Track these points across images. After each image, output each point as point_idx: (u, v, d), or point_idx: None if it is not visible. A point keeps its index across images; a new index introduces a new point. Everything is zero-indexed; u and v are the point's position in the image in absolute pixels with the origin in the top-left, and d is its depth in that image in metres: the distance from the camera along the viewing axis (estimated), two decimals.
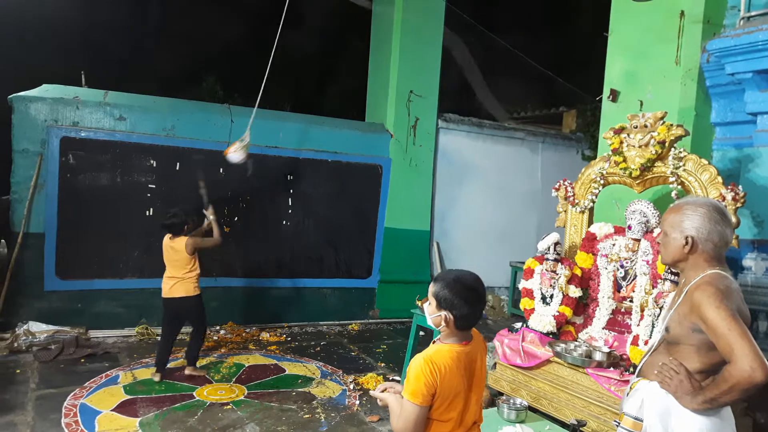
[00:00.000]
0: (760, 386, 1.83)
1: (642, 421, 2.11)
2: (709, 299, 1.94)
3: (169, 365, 5.05)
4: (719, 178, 3.35)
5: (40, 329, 5.58)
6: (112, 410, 4.19)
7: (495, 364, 4.08)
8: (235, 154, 5.68)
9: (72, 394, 4.44)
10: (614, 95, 4.69)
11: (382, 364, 5.71)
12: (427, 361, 1.88)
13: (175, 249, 4.77)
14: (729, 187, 3.27)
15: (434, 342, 2.03)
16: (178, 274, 4.78)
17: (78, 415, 4.09)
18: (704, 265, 2.07)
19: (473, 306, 1.93)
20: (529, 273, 4.03)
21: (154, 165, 6.19)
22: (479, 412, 2.05)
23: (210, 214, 5.19)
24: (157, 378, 4.77)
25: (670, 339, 2.11)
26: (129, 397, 4.46)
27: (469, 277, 1.97)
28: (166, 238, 4.85)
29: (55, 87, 6.03)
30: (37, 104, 5.73)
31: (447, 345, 1.96)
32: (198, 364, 5.15)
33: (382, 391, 2.01)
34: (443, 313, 1.93)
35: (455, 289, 1.91)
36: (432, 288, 1.97)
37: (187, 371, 4.96)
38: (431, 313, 1.98)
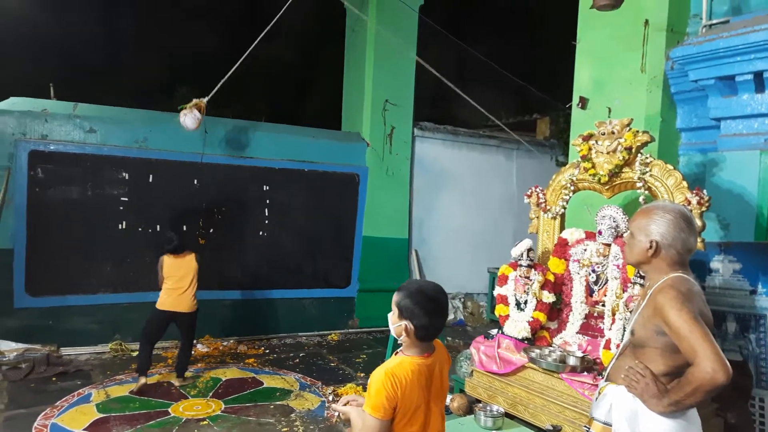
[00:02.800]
0: (722, 387, 1.86)
1: (611, 425, 2.13)
2: (671, 302, 1.97)
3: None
4: (684, 183, 3.42)
5: (9, 348, 5.45)
6: (84, 429, 4.11)
7: (472, 371, 4.09)
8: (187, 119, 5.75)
9: (43, 413, 4.34)
10: (583, 103, 4.77)
11: (362, 374, 5.69)
12: (389, 374, 1.86)
13: (186, 262, 5.06)
14: (694, 191, 3.34)
15: (396, 354, 2.01)
16: (189, 287, 5.03)
17: None
18: (667, 269, 2.11)
19: (433, 317, 1.91)
20: (504, 279, 4.06)
21: (127, 177, 6.11)
22: (442, 425, 2.04)
23: None
24: (143, 381, 4.85)
25: (635, 342, 2.14)
26: (102, 415, 4.37)
27: (431, 288, 1.95)
28: (169, 257, 5.06)
29: (23, 99, 5.93)
30: (5, 117, 5.62)
31: (408, 357, 1.95)
32: (174, 380, 5.13)
33: (345, 405, 2.00)
34: (404, 322, 1.92)
35: (416, 299, 1.90)
36: (395, 297, 1.96)
37: (176, 382, 5.08)
38: (393, 322, 1.97)
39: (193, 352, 6.01)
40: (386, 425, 1.86)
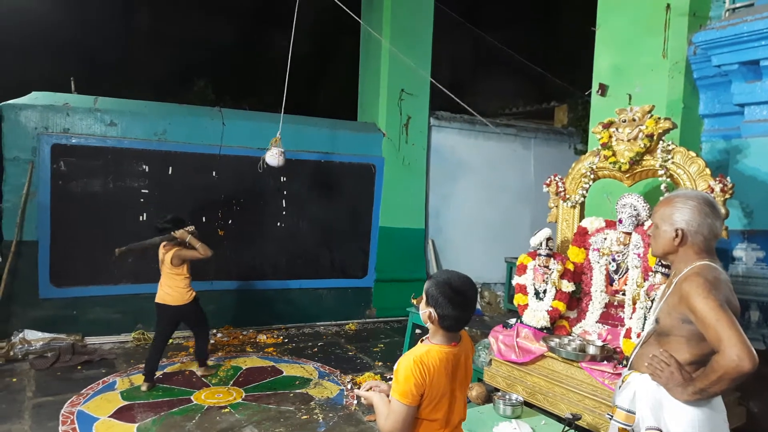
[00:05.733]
0: (748, 375, 1.85)
1: (634, 413, 2.13)
2: (697, 290, 1.96)
3: (166, 369, 5.07)
4: (707, 170, 3.36)
5: (35, 337, 5.57)
6: (109, 417, 4.20)
7: (491, 360, 4.10)
8: (273, 158, 5.76)
9: (69, 401, 4.44)
10: (603, 89, 4.70)
11: (380, 363, 5.73)
12: (417, 361, 1.90)
13: (165, 258, 4.82)
14: (717, 178, 3.29)
15: (422, 341, 2.04)
16: (168, 283, 4.82)
17: (75, 422, 4.09)
18: (694, 257, 2.09)
19: (458, 308, 1.93)
20: (522, 269, 4.05)
21: (147, 170, 6.18)
22: (464, 411, 2.08)
23: (181, 237, 4.83)
24: (145, 388, 4.69)
25: (660, 330, 2.13)
26: (126, 402, 4.46)
27: (458, 280, 1.98)
28: (161, 245, 4.88)
29: (44, 94, 6.01)
30: (27, 112, 5.71)
31: (436, 345, 1.98)
32: (195, 368, 5.18)
33: (368, 390, 2.04)
34: (429, 309, 1.96)
35: (442, 289, 1.94)
36: (426, 284, 2.03)
37: (199, 372, 5.06)
38: (422, 308, 2.03)
39: (212, 341, 6.12)
40: (413, 411, 1.90)
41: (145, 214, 6.16)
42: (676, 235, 2.09)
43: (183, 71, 10.37)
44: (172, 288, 4.80)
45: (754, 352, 1.84)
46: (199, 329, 5.07)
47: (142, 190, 6.16)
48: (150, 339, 6.04)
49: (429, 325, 2.00)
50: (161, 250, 4.88)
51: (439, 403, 1.94)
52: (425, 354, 1.93)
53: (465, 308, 1.96)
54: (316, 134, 7.08)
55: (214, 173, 6.48)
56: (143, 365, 4.95)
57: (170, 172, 6.28)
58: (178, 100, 7.25)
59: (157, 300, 4.85)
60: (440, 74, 8.10)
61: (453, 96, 6.54)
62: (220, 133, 6.49)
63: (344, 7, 6.22)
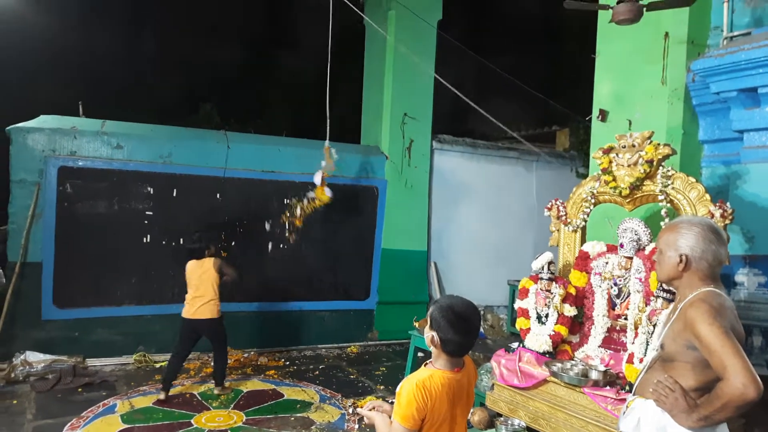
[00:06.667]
0: (753, 403, 1.84)
1: None
2: (702, 316, 1.96)
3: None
4: (707, 196, 3.39)
5: (37, 359, 5.56)
6: None
7: (493, 385, 4.07)
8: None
9: (69, 424, 4.42)
10: (603, 115, 4.76)
11: (381, 387, 5.69)
12: (420, 386, 1.91)
13: (204, 268, 5.01)
14: (717, 204, 3.31)
15: (426, 365, 2.06)
16: (206, 295, 4.98)
17: None
18: (698, 283, 2.10)
19: (460, 333, 1.96)
20: (524, 293, 4.05)
21: (152, 192, 6.24)
22: None
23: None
24: (162, 396, 4.86)
25: (665, 356, 2.13)
26: (126, 426, 4.43)
27: (462, 306, 2.00)
28: (192, 262, 5.08)
29: (52, 117, 6.11)
30: (35, 135, 5.79)
31: (439, 371, 2.00)
32: (196, 392, 5.16)
33: (371, 410, 2.05)
34: (432, 333, 1.99)
35: (444, 314, 1.96)
36: (430, 309, 2.06)
37: (216, 391, 5.18)
38: (426, 332, 2.06)
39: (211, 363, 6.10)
40: None
41: (149, 236, 6.19)
42: (681, 261, 2.10)
43: (189, 95, 10.53)
44: (210, 301, 4.98)
45: (759, 380, 1.84)
46: (220, 346, 5.20)
47: (147, 212, 6.20)
48: (151, 361, 6.04)
49: (432, 349, 2.03)
50: (195, 268, 5.04)
51: (440, 428, 1.96)
52: (428, 379, 1.95)
53: (467, 334, 1.98)
54: (320, 157, 7.13)
55: (218, 195, 6.53)
56: (145, 387, 4.95)
57: (175, 194, 6.33)
58: (185, 124, 7.34)
59: (191, 316, 4.98)
60: (444, 98, 8.20)
61: (481, 110, 6.63)
62: (225, 156, 6.56)
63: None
